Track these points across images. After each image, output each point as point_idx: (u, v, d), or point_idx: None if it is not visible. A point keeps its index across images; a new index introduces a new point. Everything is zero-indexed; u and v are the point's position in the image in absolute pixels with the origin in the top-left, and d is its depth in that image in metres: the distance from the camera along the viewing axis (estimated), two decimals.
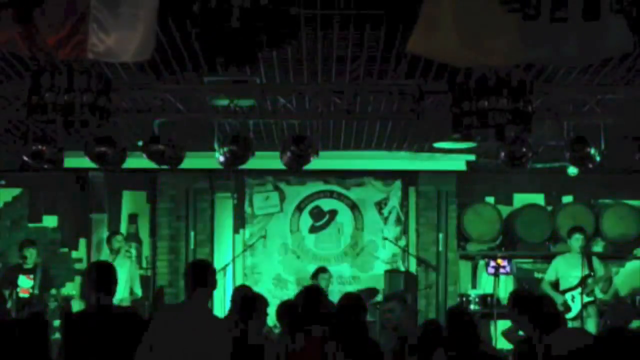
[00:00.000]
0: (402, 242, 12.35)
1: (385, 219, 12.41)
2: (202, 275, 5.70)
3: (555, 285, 10.56)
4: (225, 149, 8.44)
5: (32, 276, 10.75)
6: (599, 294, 10.67)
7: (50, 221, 12.46)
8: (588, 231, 11.16)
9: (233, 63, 6.08)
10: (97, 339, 5.65)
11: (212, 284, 5.75)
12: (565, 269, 10.51)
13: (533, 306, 6.36)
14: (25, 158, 8.46)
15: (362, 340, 5.84)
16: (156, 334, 5.50)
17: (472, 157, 11.74)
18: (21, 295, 10.63)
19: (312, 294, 6.39)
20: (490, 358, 5.99)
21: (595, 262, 10.53)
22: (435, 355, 6.16)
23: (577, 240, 10.46)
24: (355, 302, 6.35)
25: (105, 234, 11.94)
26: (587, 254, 10.52)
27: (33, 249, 10.94)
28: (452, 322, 6.22)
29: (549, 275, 10.73)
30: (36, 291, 10.68)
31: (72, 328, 5.90)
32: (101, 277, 5.87)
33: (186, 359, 5.45)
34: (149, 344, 5.46)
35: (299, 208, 12.42)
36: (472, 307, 11.79)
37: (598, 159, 8.40)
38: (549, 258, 11.71)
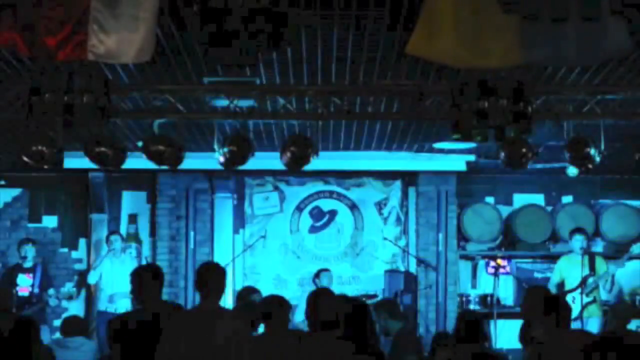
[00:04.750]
0: (402, 242, 12.34)
1: (385, 219, 12.41)
2: (211, 279, 5.80)
3: (560, 286, 10.54)
4: (225, 149, 8.41)
5: (31, 275, 10.78)
6: (604, 294, 10.63)
7: (50, 221, 12.47)
8: (588, 232, 11.15)
9: (233, 63, 6.08)
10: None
11: (219, 287, 5.83)
12: (569, 270, 10.50)
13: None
14: (25, 158, 8.44)
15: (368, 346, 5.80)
16: (175, 338, 5.61)
17: (472, 158, 11.74)
18: (20, 294, 10.67)
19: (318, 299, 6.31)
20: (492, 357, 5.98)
21: (598, 261, 10.50)
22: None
23: (578, 241, 10.45)
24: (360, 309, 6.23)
25: (104, 233, 11.94)
26: (589, 254, 10.51)
27: (32, 246, 10.96)
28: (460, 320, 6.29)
29: (555, 277, 10.69)
30: (36, 290, 10.70)
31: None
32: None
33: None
34: (167, 347, 5.58)
35: (299, 208, 12.42)
36: (471, 307, 11.82)
37: (598, 159, 8.39)
38: (548, 258, 11.70)
